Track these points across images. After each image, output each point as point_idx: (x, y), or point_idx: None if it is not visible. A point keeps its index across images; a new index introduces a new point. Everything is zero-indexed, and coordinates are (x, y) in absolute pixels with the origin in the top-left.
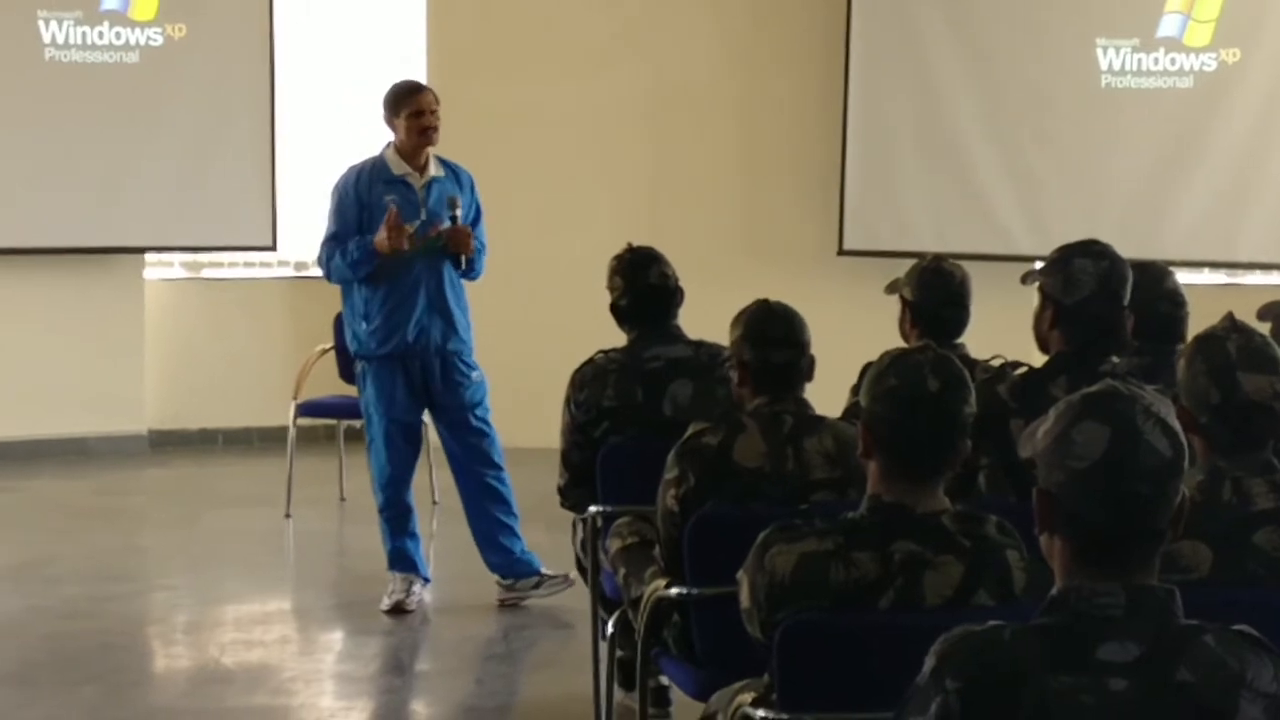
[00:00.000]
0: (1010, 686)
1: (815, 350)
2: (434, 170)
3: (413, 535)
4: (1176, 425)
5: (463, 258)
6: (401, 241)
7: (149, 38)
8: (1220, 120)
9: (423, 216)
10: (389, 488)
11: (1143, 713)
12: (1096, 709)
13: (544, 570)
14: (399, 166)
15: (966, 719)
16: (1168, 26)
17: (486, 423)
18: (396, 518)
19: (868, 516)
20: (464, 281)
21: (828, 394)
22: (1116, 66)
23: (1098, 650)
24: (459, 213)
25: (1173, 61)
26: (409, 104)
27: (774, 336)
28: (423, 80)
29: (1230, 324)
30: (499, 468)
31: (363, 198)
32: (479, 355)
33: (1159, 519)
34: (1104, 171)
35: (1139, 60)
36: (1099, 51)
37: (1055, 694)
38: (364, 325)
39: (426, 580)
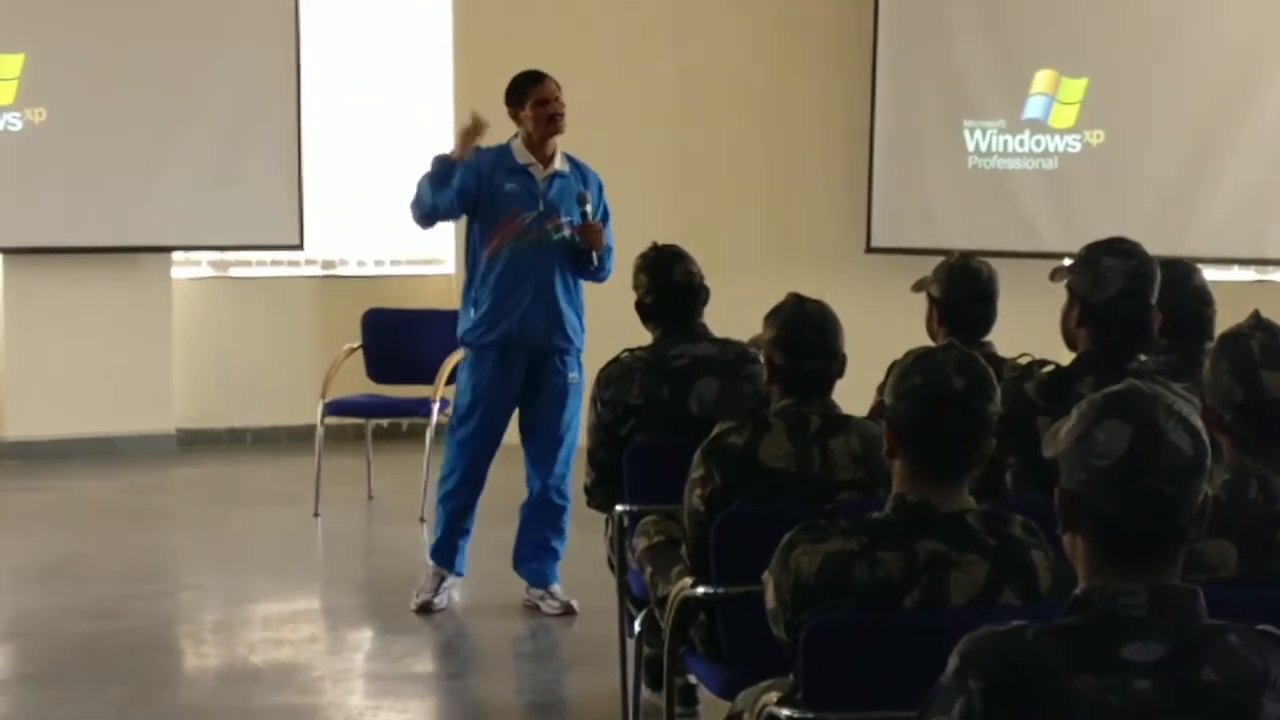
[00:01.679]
0: (1034, 687)
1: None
2: (559, 165)
3: (465, 531)
4: (1199, 424)
5: (593, 255)
6: (468, 148)
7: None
8: (1250, 118)
9: (540, 208)
10: (462, 479)
11: (1167, 713)
12: (1120, 709)
13: (554, 588)
14: (524, 156)
15: (990, 718)
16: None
17: (567, 426)
18: (458, 510)
19: (892, 516)
20: (588, 283)
21: (855, 392)
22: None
23: (1121, 650)
24: (589, 208)
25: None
26: (533, 93)
27: (807, 345)
28: (449, 78)
29: (1255, 322)
30: (562, 478)
31: (482, 171)
32: None
33: (1181, 518)
34: (1133, 168)
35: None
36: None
37: (1079, 694)
38: (473, 312)
39: (460, 575)
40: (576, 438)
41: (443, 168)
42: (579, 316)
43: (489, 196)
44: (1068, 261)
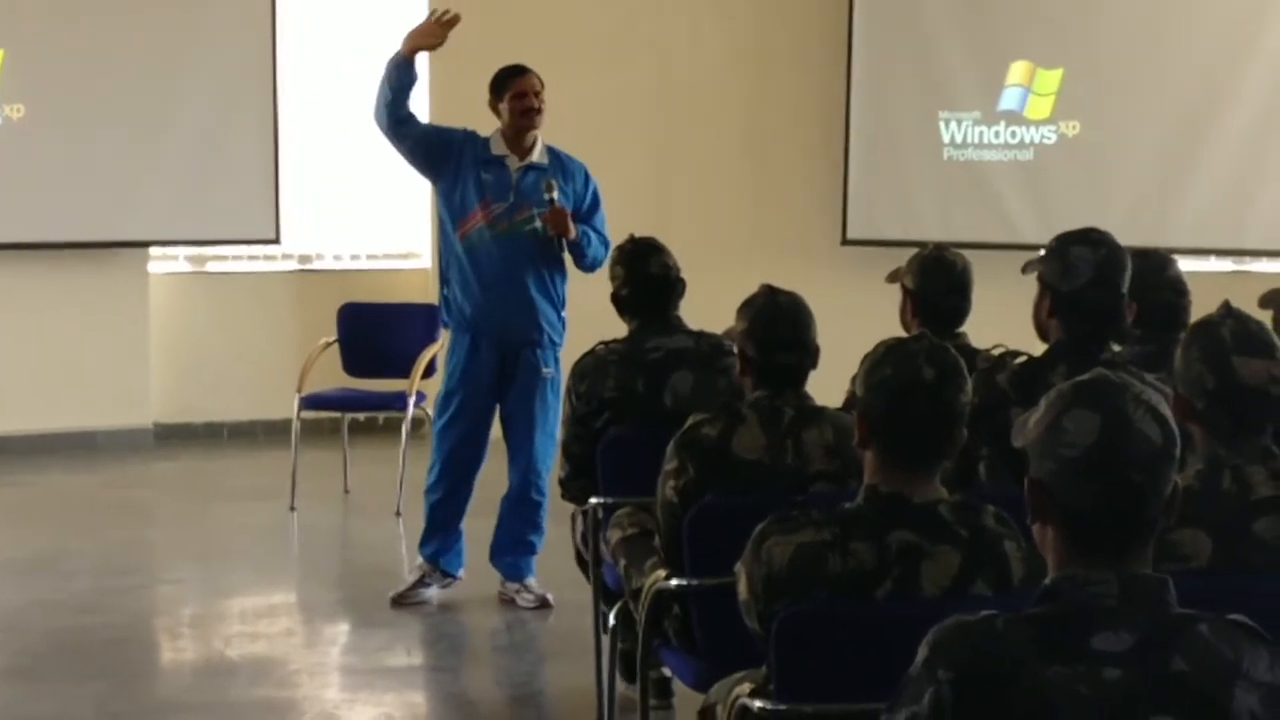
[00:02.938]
0: (1003, 676)
1: (818, 341)
2: (537, 157)
3: (448, 526)
4: (1168, 413)
5: (562, 242)
6: (431, 38)
7: None
8: (1227, 108)
9: (510, 200)
10: (441, 470)
11: (1137, 702)
12: (1090, 699)
13: (529, 581)
14: (499, 148)
15: (959, 709)
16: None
17: (542, 420)
18: (438, 503)
19: (864, 507)
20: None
21: (830, 384)
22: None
23: (1091, 640)
24: (555, 195)
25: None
26: (512, 86)
27: (780, 338)
28: (424, 76)
29: (1226, 311)
30: (539, 474)
31: (458, 150)
32: None
33: (1150, 507)
34: (1109, 159)
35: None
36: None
37: (1049, 684)
38: (445, 290)
39: (449, 576)
40: (555, 432)
41: (394, 63)
42: (556, 310)
43: (463, 182)
44: (1042, 253)
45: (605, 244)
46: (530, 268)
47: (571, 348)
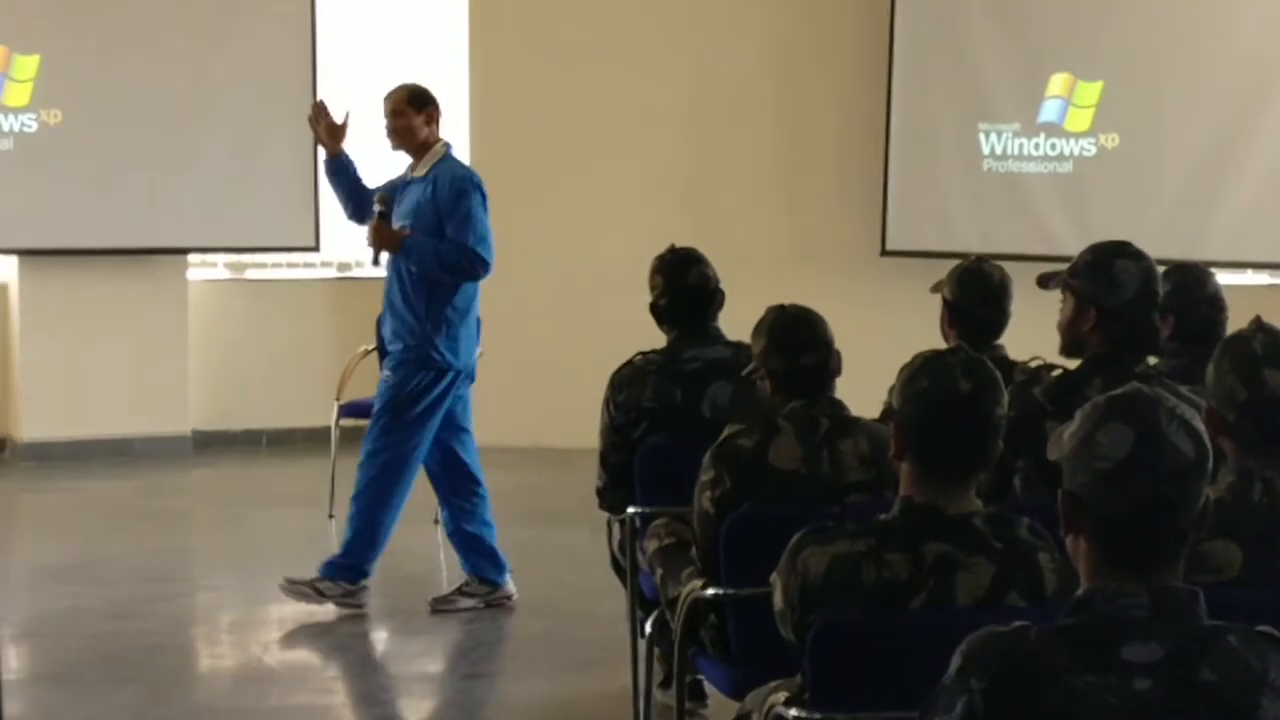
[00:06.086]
0: (1035, 686)
1: (857, 351)
2: (420, 172)
3: (456, 539)
4: (1201, 427)
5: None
6: (326, 142)
7: None
8: (1265, 121)
9: (391, 219)
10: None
11: (1166, 713)
12: (1120, 709)
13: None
14: (410, 168)
15: (991, 718)
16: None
17: (372, 422)
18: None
19: (900, 518)
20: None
21: (869, 395)
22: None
23: (1122, 651)
24: (378, 209)
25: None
26: None
27: (800, 340)
28: (464, 81)
29: (1257, 325)
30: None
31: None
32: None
33: (1183, 520)
34: (1148, 172)
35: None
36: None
37: (1080, 693)
38: None
39: (493, 587)
40: (377, 436)
41: (327, 170)
42: (421, 318)
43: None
44: (1064, 268)
45: (460, 249)
46: (403, 279)
47: (612, 361)
